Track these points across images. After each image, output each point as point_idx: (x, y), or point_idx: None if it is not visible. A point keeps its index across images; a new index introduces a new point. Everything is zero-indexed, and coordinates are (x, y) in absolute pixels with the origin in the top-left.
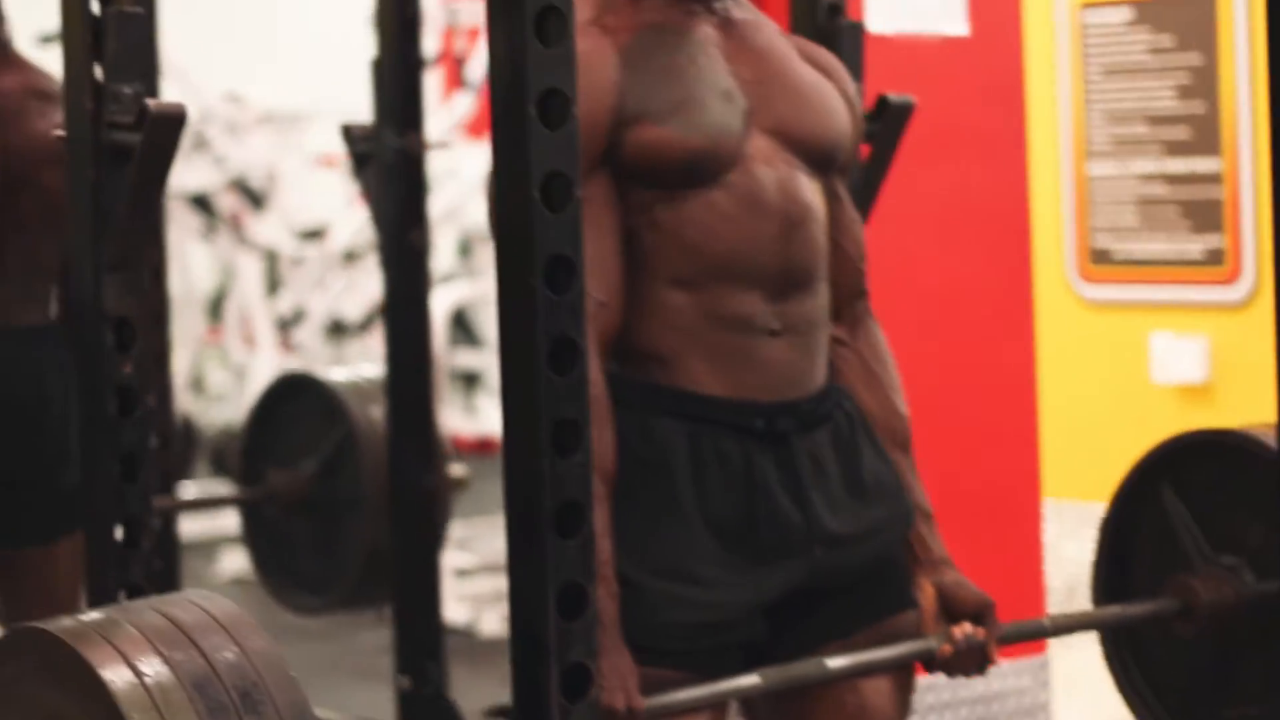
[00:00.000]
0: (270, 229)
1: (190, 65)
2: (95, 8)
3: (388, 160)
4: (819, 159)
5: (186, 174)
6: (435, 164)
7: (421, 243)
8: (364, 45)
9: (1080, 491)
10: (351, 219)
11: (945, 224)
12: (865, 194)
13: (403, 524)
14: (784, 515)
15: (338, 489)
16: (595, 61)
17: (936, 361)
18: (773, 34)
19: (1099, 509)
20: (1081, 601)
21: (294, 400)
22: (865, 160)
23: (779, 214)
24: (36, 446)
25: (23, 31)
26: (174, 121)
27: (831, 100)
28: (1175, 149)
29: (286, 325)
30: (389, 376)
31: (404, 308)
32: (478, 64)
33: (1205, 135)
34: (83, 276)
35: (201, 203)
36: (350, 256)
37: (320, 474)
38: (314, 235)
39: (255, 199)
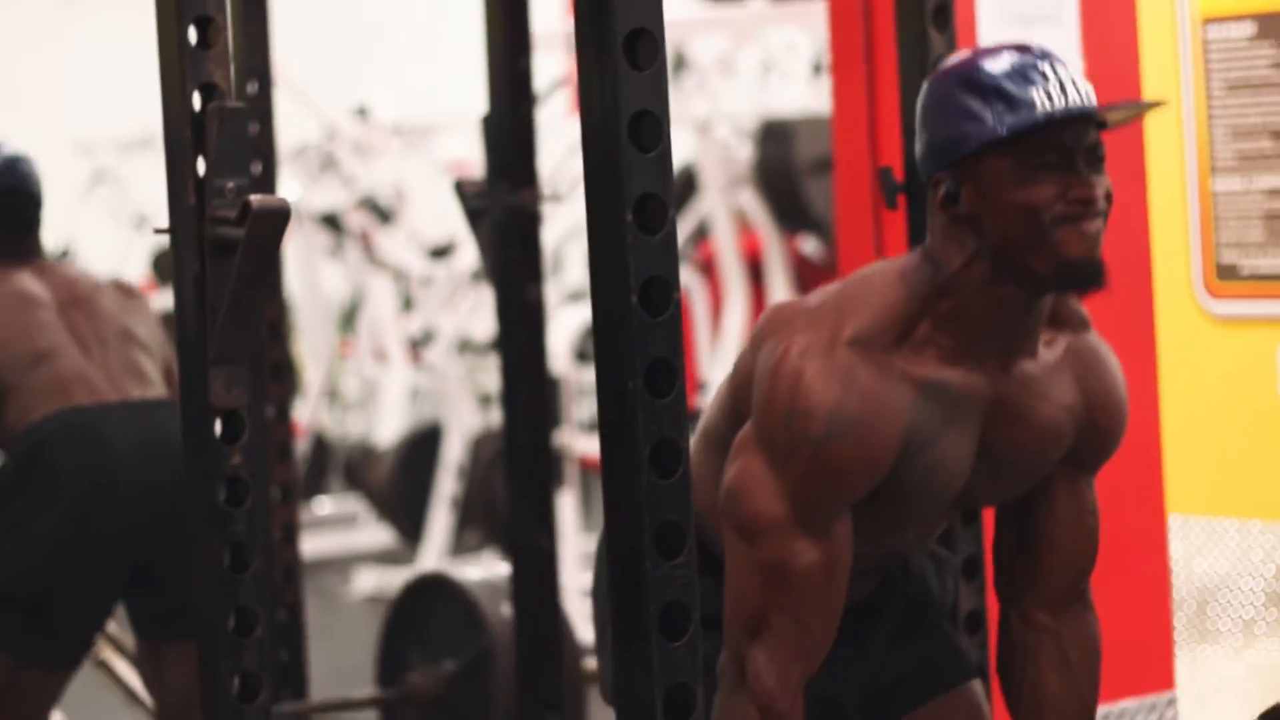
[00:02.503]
0: (400, 248)
1: (317, 82)
2: (196, 103)
3: (501, 217)
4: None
5: (316, 194)
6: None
7: (537, 298)
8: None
9: (1208, 507)
10: None
11: None
12: None
13: None
14: None
15: (474, 690)
16: (885, 430)
17: None
18: (1051, 387)
19: (1227, 524)
20: (1211, 616)
21: (429, 600)
22: None
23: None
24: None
25: None
26: (278, 217)
27: (1049, 454)
28: None
29: (417, 344)
30: (506, 451)
31: (521, 367)
32: None
33: None
34: (189, 369)
35: (331, 221)
36: (479, 275)
37: (458, 676)
38: (443, 253)
39: (384, 215)
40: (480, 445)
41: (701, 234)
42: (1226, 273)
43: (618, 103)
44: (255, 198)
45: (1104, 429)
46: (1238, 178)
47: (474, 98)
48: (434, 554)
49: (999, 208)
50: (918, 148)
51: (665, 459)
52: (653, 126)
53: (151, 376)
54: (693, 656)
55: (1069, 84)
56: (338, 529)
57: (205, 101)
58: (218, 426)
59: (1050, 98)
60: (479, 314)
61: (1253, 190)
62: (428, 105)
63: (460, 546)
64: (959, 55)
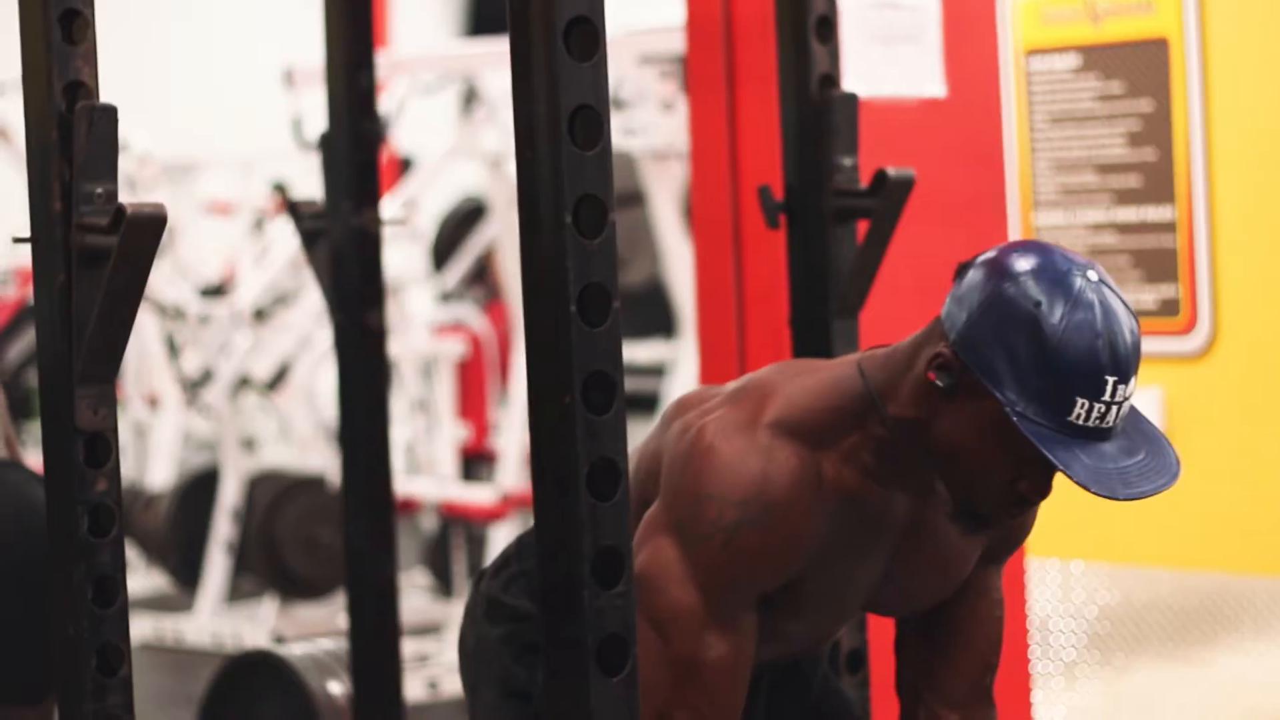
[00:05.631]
0: (171, 286)
1: None
2: (62, 103)
3: (341, 240)
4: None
5: None
6: None
7: (379, 325)
8: (252, 89)
9: (1032, 548)
10: (257, 276)
11: (924, 287)
12: (863, 270)
13: None
14: None
15: None
16: (802, 524)
17: None
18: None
19: (1049, 565)
20: (1032, 659)
21: (252, 678)
22: (865, 236)
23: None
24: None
25: None
26: (154, 223)
27: (955, 577)
28: (1126, 198)
29: (194, 385)
30: (345, 484)
31: (361, 399)
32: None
33: (1157, 183)
34: (52, 389)
35: None
36: (261, 314)
37: None
38: (216, 292)
39: None
40: (256, 487)
41: (483, 270)
42: None
43: (558, 95)
44: (129, 203)
45: (1017, 526)
46: (1060, 212)
47: (232, 137)
48: (211, 599)
49: (972, 441)
50: (957, 310)
51: (604, 480)
52: (593, 121)
53: None
54: (632, 690)
55: (1114, 414)
56: None
57: (72, 101)
58: (81, 450)
59: (1088, 419)
60: (258, 353)
61: (1075, 225)
62: (184, 143)
63: (236, 592)
64: (1054, 269)
